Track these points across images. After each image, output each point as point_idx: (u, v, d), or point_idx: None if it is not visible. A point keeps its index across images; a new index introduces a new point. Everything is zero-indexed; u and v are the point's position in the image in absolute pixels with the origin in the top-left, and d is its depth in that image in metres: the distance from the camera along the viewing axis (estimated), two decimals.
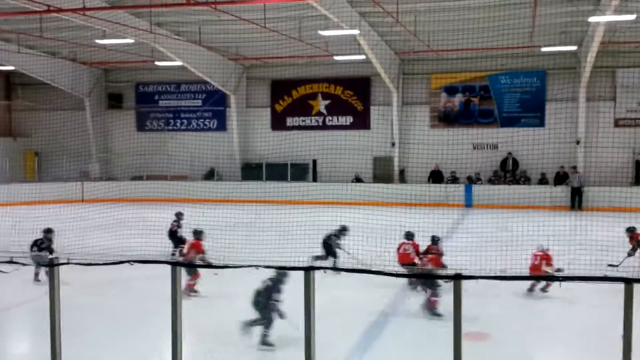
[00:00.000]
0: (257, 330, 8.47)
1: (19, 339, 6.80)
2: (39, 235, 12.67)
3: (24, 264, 6.30)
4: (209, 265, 8.91)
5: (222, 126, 28.48)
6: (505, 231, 15.43)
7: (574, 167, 23.31)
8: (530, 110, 25.07)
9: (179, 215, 15.05)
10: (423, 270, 10.53)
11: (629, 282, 4.61)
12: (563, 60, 24.03)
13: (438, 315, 9.60)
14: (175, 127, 29.00)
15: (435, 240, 11.51)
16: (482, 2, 17.69)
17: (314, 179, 26.43)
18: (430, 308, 9.74)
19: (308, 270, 5.42)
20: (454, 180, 24.67)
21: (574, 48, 21.92)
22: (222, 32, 22.14)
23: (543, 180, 23.87)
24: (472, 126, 25.57)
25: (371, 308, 10.22)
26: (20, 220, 18.69)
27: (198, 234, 11.84)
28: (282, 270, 8.15)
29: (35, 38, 22.00)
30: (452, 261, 11.34)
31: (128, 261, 5.78)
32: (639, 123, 24.01)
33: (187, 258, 11.39)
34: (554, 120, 23.83)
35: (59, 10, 16.10)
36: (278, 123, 27.82)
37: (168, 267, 5.70)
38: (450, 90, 25.93)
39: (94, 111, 28.78)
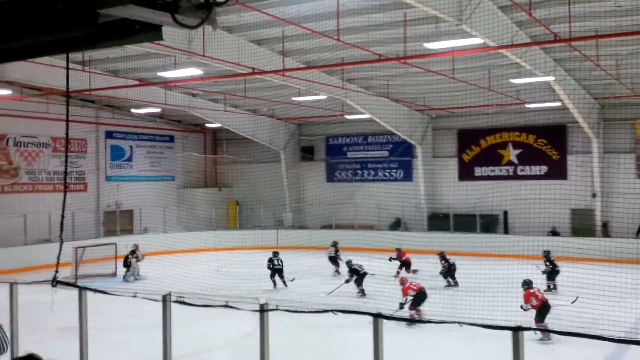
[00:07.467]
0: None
1: None
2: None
3: (238, 309, 6.70)
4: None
5: (408, 176, 28.64)
6: None
7: None
8: None
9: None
10: None
11: None
12: None
13: None
14: (362, 178, 29.73)
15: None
16: None
17: (505, 231, 25.36)
18: None
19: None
20: None
21: None
22: (410, 84, 22.51)
23: None
24: None
25: None
26: (225, 265, 20.21)
27: None
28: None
29: (239, 98, 24.14)
30: None
31: (332, 310, 5.97)
32: None
33: None
34: None
35: (262, 72, 17.46)
36: (466, 173, 27.32)
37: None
38: None
39: (288, 163, 30.59)
